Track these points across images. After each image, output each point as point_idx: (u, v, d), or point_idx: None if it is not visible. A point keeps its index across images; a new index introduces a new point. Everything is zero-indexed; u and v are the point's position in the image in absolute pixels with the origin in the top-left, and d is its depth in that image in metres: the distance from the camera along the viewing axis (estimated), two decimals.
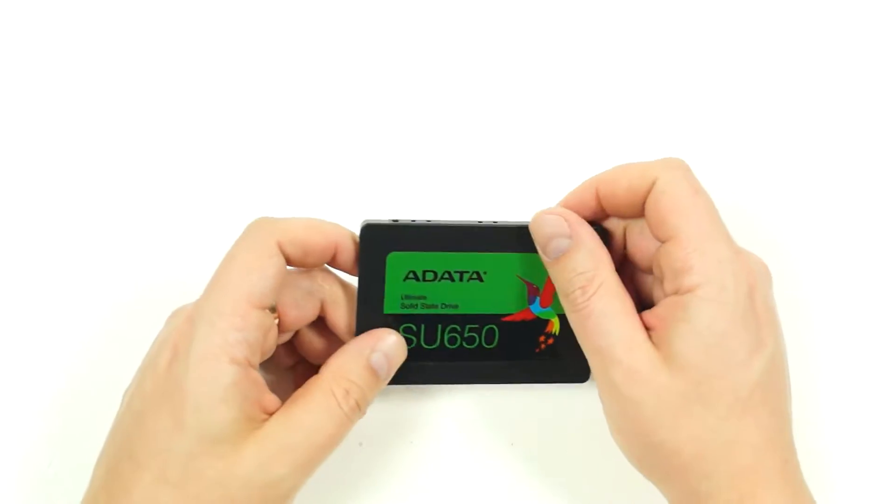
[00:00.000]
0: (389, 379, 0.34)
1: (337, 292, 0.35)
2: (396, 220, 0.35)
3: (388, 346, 0.34)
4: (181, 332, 0.31)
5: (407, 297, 0.35)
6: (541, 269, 0.35)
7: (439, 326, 0.36)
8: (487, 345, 0.36)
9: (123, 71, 0.44)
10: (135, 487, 0.30)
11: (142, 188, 0.43)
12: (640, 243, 0.34)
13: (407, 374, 0.35)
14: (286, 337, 0.35)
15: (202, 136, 0.43)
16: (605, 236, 0.35)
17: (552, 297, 0.36)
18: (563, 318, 0.36)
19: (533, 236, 0.34)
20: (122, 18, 0.45)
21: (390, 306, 0.35)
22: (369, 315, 0.35)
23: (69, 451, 0.39)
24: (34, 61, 0.44)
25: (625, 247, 0.35)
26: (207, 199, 0.42)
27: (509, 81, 0.45)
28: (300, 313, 0.34)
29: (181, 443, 0.30)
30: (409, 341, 0.35)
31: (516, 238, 0.35)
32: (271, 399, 0.32)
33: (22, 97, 0.44)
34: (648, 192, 0.32)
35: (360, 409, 0.33)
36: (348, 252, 0.34)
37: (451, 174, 0.44)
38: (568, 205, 0.35)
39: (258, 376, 0.32)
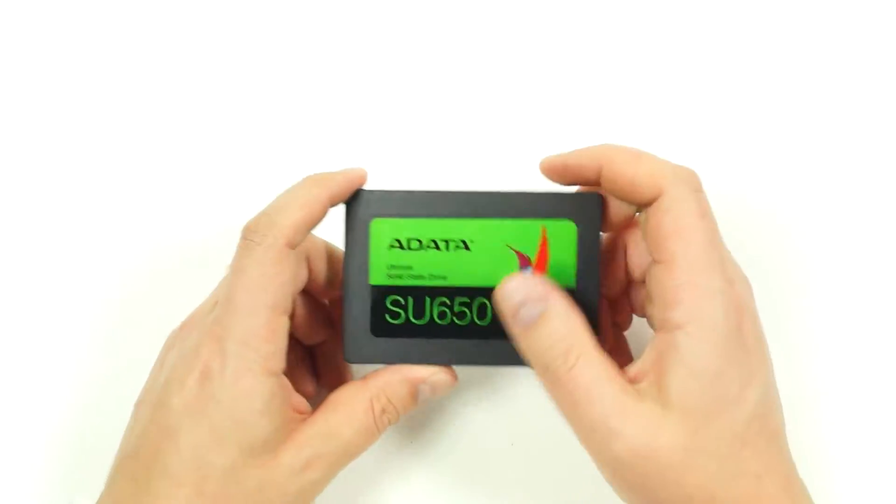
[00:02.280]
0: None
1: (316, 244, 0.35)
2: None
3: (439, 380, 0.34)
4: (211, 350, 0.31)
5: (393, 266, 0.34)
6: (533, 237, 0.34)
7: (427, 299, 0.34)
8: (479, 320, 0.35)
9: (108, 67, 0.44)
10: (170, 503, 0.30)
11: (139, 179, 0.43)
12: (634, 251, 0.34)
13: (397, 352, 0.34)
14: None
15: (186, 129, 0.44)
16: (601, 204, 0.34)
17: (546, 267, 0.34)
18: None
19: (498, 305, 0.32)
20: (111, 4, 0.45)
21: (376, 277, 0.34)
22: (356, 285, 0.34)
23: (69, 451, 0.39)
24: (30, 54, 0.44)
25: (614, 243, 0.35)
26: (201, 194, 0.43)
27: (506, 62, 0.45)
28: (300, 280, 0.35)
29: (222, 457, 0.30)
30: (395, 315, 0.34)
31: (505, 204, 0.34)
32: (299, 399, 0.33)
33: (17, 91, 0.44)
34: (652, 200, 0.31)
35: (388, 426, 0.34)
36: (340, 195, 0.34)
37: (449, 151, 0.44)
38: (567, 165, 0.33)
39: (286, 381, 0.32)
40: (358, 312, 0.34)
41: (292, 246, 0.32)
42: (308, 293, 0.36)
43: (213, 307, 0.32)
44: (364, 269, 0.34)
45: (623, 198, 0.32)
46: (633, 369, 0.31)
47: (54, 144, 0.44)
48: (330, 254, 0.36)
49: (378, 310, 0.34)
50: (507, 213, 0.34)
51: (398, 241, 0.34)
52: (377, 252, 0.34)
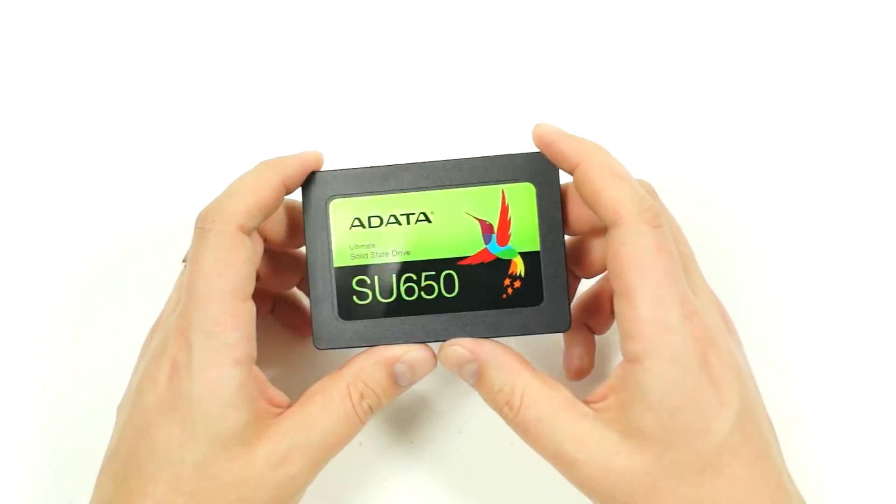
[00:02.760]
0: (410, 387, 0.34)
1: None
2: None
3: (415, 357, 0.33)
4: (177, 344, 0.30)
5: (356, 246, 0.34)
6: (493, 203, 0.34)
7: (393, 276, 0.34)
8: (448, 293, 0.34)
9: (77, 68, 0.44)
10: (148, 501, 0.30)
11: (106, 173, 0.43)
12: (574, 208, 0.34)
13: (368, 335, 0.34)
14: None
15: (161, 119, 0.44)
16: (550, 165, 0.33)
17: (509, 234, 0.34)
18: (527, 257, 0.34)
19: (450, 365, 0.33)
20: None
21: (340, 258, 0.34)
22: (320, 270, 0.34)
23: (69, 452, 0.39)
24: (18, 45, 0.45)
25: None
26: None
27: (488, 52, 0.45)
28: (258, 257, 0.34)
29: (193, 451, 0.30)
30: (363, 295, 0.34)
31: (462, 172, 0.33)
32: (276, 393, 0.32)
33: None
34: (610, 222, 0.31)
35: (372, 412, 0.33)
36: (294, 178, 0.33)
37: (406, 122, 0.44)
38: (552, 145, 0.32)
39: (258, 371, 0.32)
40: (324, 297, 0.34)
41: (245, 231, 0.31)
42: (271, 250, 0.36)
43: (178, 303, 0.32)
44: (326, 252, 0.34)
45: (586, 203, 0.32)
46: (600, 388, 0.32)
47: (26, 142, 0.44)
48: (288, 208, 0.35)
49: (344, 292, 0.34)
50: (466, 180, 0.34)
51: (358, 219, 0.34)
52: (338, 233, 0.34)
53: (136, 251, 0.42)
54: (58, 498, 0.38)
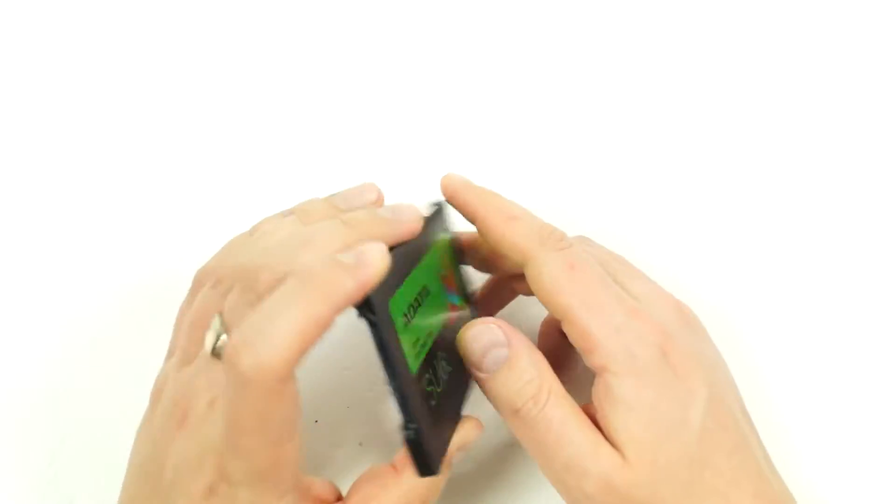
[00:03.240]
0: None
1: None
2: None
3: (470, 441, 0.31)
4: (218, 481, 0.27)
5: (414, 344, 0.28)
6: (443, 258, 0.34)
7: (435, 361, 0.30)
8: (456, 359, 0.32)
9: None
10: None
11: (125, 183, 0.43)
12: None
13: (445, 431, 0.30)
14: None
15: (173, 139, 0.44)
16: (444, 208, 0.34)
17: (453, 281, 0.34)
18: (468, 299, 0.36)
19: (464, 351, 0.32)
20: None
21: (413, 364, 0.28)
22: (405, 388, 0.27)
23: (69, 452, 0.39)
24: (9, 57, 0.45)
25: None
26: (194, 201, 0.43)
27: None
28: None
29: None
30: (431, 395, 0.29)
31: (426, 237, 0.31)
32: (321, 488, 0.30)
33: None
34: (521, 263, 0.32)
35: None
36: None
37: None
38: (454, 196, 0.33)
39: (302, 478, 0.29)
40: (420, 415, 0.27)
41: (286, 381, 0.25)
42: None
43: (181, 354, 0.30)
44: (405, 365, 0.27)
45: (497, 252, 0.33)
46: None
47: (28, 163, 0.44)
48: None
49: (426, 398, 0.28)
50: (432, 239, 0.33)
51: (405, 313, 0.28)
52: (403, 335, 0.28)
53: (136, 252, 0.42)
54: (58, 498, 0.38)
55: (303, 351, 0.25)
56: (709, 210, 0.44)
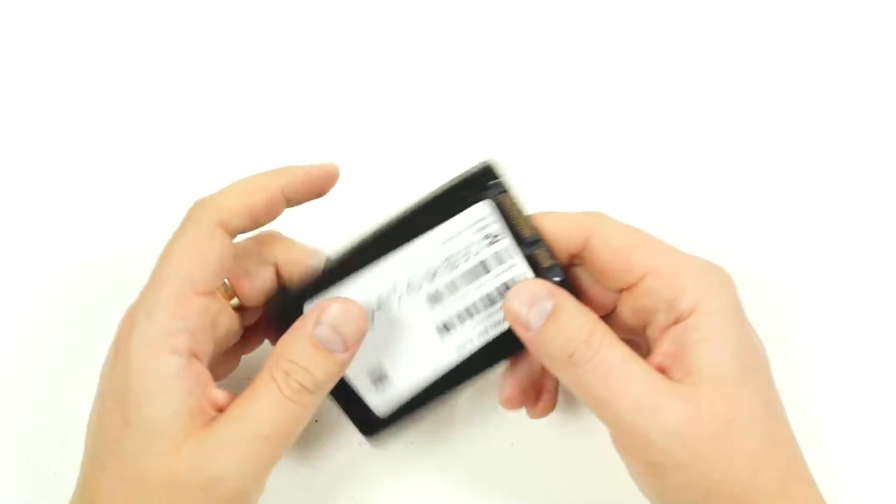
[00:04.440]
0: (350, 353, 0.30)
1: (289, 252, 0.34)
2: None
3: (334, 314, 0.30)
4: (123, 328, 0.30)
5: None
6: None
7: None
8: None
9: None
10: (101, 488, 0.29)
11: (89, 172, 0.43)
12: (613, 263, 0.32)
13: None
14: (254, 316, 0.35)
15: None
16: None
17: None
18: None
19: (508, 312, 0.31)
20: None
21: None
22: None
23: (69, 452, 0.39)
24: None
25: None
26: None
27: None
28: (255, 283, 0.33)
29: (130, 440, 0.28)
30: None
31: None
32: (220, 394, 0.30)
33: None
34: (584, 244, 0.32)
35: (308, 390, 0.29)
36: (296, 188, 0.32)
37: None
38: (548, 230, 0.32)
39: (203, 369, 0.30)
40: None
41: (227, 229, 0.31)
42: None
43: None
44: None
45: (610, 282, 0.32)
46: (651, 359, 0.31)
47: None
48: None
49: None
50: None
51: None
52: None
53: (137, 251, 0.42)
54: (58, 498, 0.38)
55: (247, 207, 0.31)
56: (717, 200, 0.44)
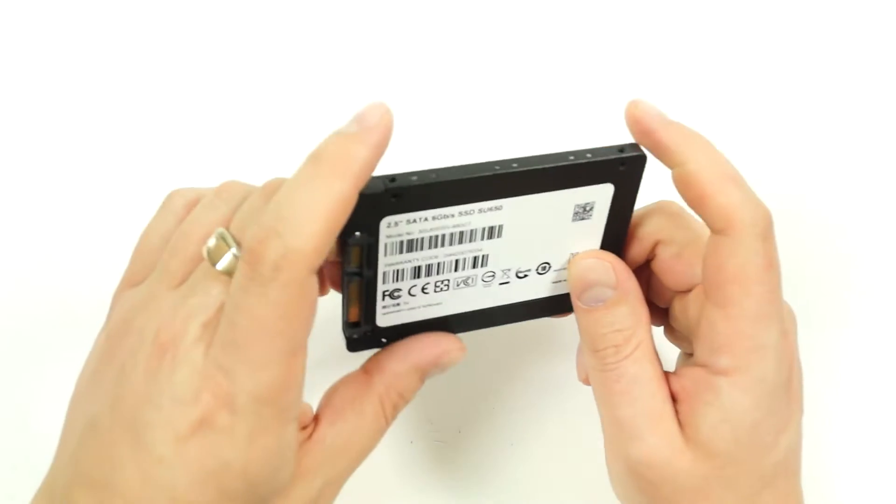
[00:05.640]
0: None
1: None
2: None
3: (450, 360, 0.30)
4: (215, 401, 0.24)
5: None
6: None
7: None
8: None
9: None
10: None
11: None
12: (674, 266, 0.30)
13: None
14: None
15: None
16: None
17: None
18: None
19: (570, 280, 0.31)
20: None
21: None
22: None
23: None
24: None
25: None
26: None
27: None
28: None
29: None
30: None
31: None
32: (303, 409, 0.28)
33: None
34: (716, 229, 0.28)
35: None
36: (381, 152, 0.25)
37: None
38: (651, 133, 0.28)
39: (304, 406, 0.28)
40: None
41: (315, 272, 0.24)
42: None
43: (176, 290, 0.27)
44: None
45: (687, 202, 0.29)
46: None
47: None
48: None
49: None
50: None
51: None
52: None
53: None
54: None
55: (331, 233, 0.24)
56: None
